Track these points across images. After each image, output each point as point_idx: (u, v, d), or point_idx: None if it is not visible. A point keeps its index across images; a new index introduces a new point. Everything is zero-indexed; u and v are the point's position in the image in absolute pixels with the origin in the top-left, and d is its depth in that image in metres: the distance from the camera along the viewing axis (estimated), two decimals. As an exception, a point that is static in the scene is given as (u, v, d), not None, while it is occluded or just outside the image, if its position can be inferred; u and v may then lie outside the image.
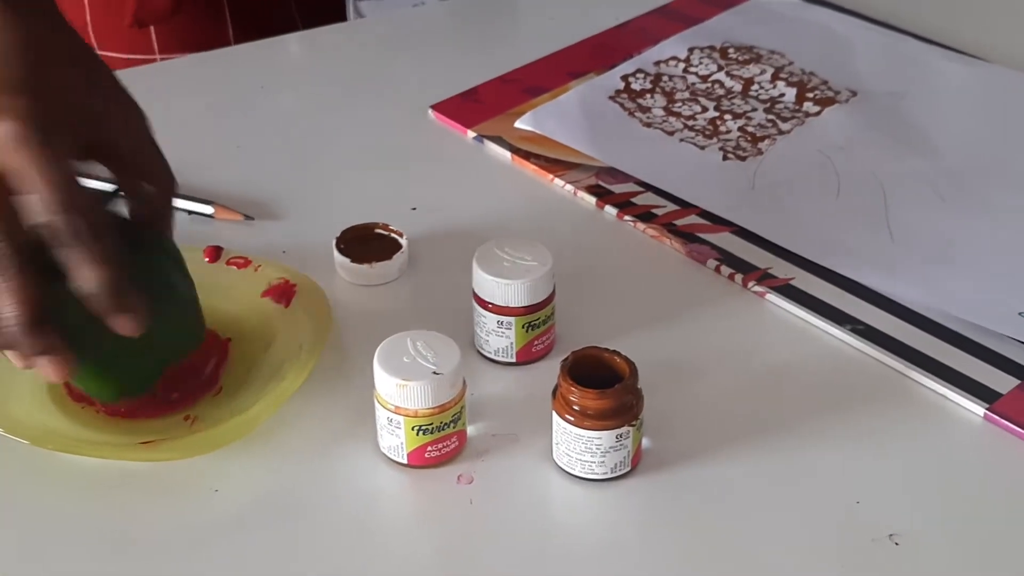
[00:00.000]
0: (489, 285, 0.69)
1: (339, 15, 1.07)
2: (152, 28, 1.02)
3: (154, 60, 1.03)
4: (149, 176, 0.64)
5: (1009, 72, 0.93)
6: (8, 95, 0.57)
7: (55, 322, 0.59)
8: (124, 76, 0.65)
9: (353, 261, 0.75)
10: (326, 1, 1.07)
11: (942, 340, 0.71)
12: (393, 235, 0.78)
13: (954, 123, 0.88)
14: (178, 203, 0.80)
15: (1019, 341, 0.70)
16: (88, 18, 1.03)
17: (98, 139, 0.61)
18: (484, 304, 0.69)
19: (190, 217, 0.80)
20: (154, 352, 0.65)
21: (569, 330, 0.72)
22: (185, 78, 0.97)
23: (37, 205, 0.56)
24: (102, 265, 0.58)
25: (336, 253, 0.76)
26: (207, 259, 0.75)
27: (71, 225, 0.57)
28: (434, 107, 0.90)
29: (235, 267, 0.75)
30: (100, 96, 0.62)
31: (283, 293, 0.73)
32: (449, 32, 1.02)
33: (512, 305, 0.69)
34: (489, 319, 0.69)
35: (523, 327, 0.69)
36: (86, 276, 0.58)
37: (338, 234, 0.77)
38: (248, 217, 0.80)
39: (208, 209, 0.80)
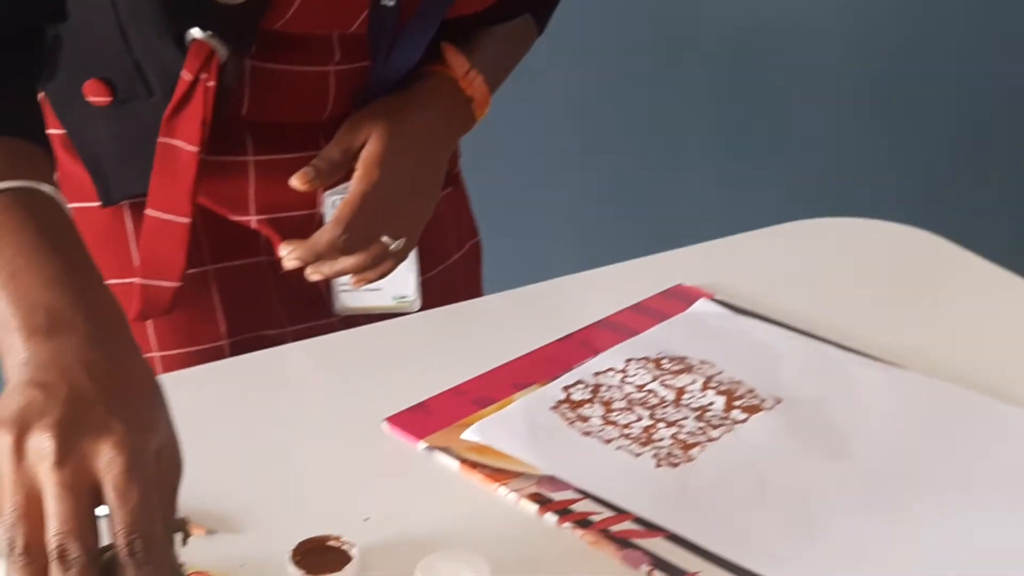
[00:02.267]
0: (431, 597, 0.73)
1: (323, 308, 1.15)
2: (151, 323, 1.10)
3: (151, 355, 1.10)
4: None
5: (920, 378, 1.00)
6: (110, 417, 0.64)
7: None
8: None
9: (307, 574, 0.80)
10: (311, 294, 1.15)
11: (861, 641, 0.76)
12: (345, 546, 0.83)
13: (872, 427, 0.94)
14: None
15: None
16: None
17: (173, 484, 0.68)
18: (427, 615, 0.74)
19: (155, 532, 0.85)
20: None
21: (509, 637, 0.76)
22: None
23: (120, 524, 0.63)
24: None
25: (290, 567, 0.81)
26: (169, 574, 0.80)
27: (146, 547, 0.63)
28: (388, 419, 0.97)
29: (195, 581, 0.80)
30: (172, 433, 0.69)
31: (240, 606, 0.77)
32: (407, 346, 1.09)
33: (453, 616, 0.73)
34: (432, 629, 0.74)
35: (464, 636, 0.74)
36: None
37: (293, 547, 0.82)
38: (211, 531, 0.85)
39: (172, 524, 0.85)
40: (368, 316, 1.14)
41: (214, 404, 1.01)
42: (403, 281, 1.13)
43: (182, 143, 1.01)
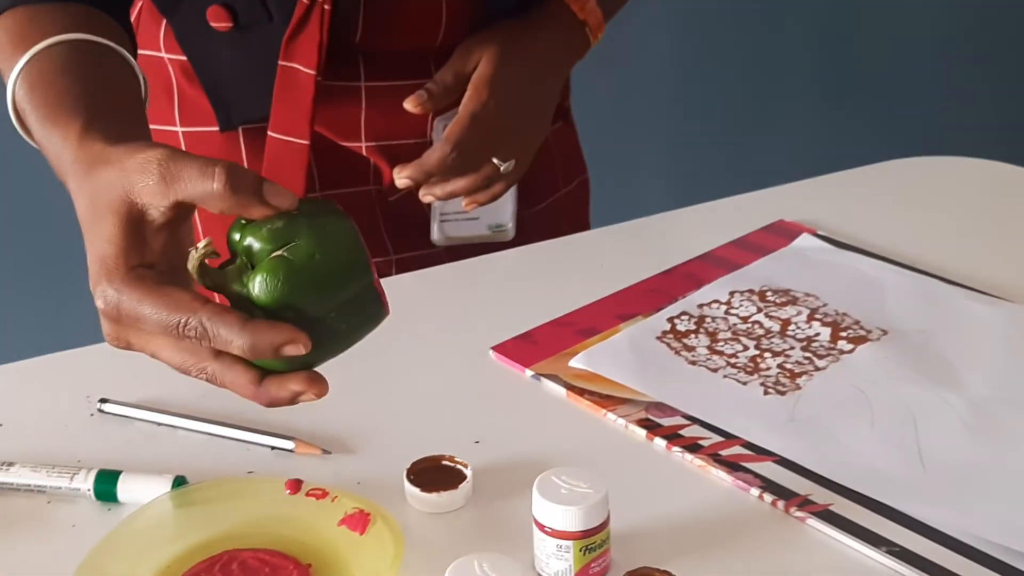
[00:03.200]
0: (548, 511, 0.75)
1: (427, 239, 1.16)
2: None
3: None
4: None
5: (1030, 310, 1.00)
6: None
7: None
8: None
9: (423, 491, 0.82)
10: (417, 224, 1.17)
11: (975, 562, 0.76)
12: (459, 466, 0.84)
13: (980, 357, 0.94)
14: (261, 439, 0.88)
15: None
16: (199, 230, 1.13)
17: None
18: (544, 528, 0.75)
19: (273, 452, 0.87)
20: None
21: (624, 553, 0.78)
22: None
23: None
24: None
25: (406, 484, 0.83)
26: (288, 491, 0.82)
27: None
28: (495, 348, 0.98)
29: (314, 498, 0.81)
30: None
31: (358, 522, 0.79)
32: (509, 278, 1.10)
33: (570, 530, 0.75)
34: (548, 543, 0.75)
35: (580, 550, 0.75)
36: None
37: (408, 466, 0.84)
38: (326, 451, 0.87)
39: (289, 444, 0.87)
40: (470, 246, 1.15)
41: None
42: (500, 210, 1.15)
43: (300, 66, 1.03)
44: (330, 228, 0.70)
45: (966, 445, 0.85)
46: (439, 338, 1.01)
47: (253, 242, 0.69)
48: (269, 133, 1.05)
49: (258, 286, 0.68)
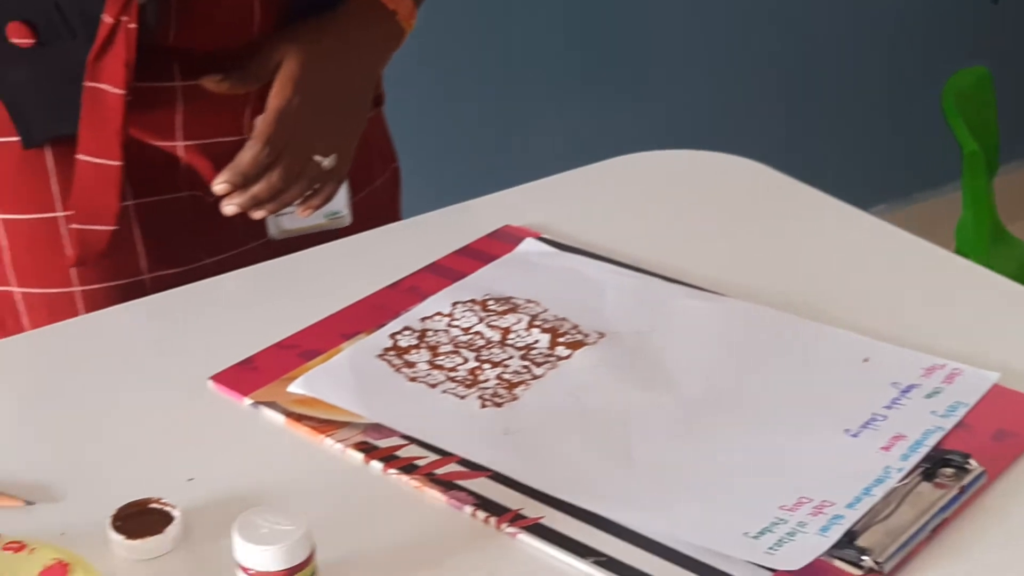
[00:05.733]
0: (248, 552, 0.74)
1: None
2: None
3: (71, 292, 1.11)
4: None
5: (740, 304, 1.02)
6: None
7: None
8: None
9: (128, 538, 0.80)
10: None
11: (677, 565, 0.77)
12: (167, 508, 0.82)
13: (692, 355, 0.96)
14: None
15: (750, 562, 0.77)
16: (9, 256, 1.10)
17: None
18: (248, 571, 0.74)
19: (-28, 506, 0.84)
20: None
21: (334, 586, 0.77)
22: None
23: None
24: None
25: (110, 531, 0.80)
26: (-18, 547, 0.79)
27: None
28: (213, 378, 0.96)
29: (11, 551, 0.79)
30: None
31: (57, 574, 0.77)
32: (232, 301, 1.08)
33: (272, 570, 0.74)
34: (252, 584, 0.74)
35: (285, 589, 0.74)
36: None
37: (113, 512, 0.81)
38: (29, 502, 0.84)
39: (-12, 497, 0.84)
40: (304, 238, 1.15)
41: (31, 374, 1.00)
42: (335, 197, 1.14)
43: (108, 86, 1.01)
44: None
45: (676, 447, 0.87)
46: (155, 369, 0.99)
47: None
48: (78, 156, 1.03)
49: None
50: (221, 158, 1.08)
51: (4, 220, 1.09)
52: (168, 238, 1.13)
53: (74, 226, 1.06)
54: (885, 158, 2.78)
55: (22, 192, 1.09)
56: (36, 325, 1.10)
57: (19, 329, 1.11)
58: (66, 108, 1.03)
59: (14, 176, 1.09)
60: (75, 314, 1.10)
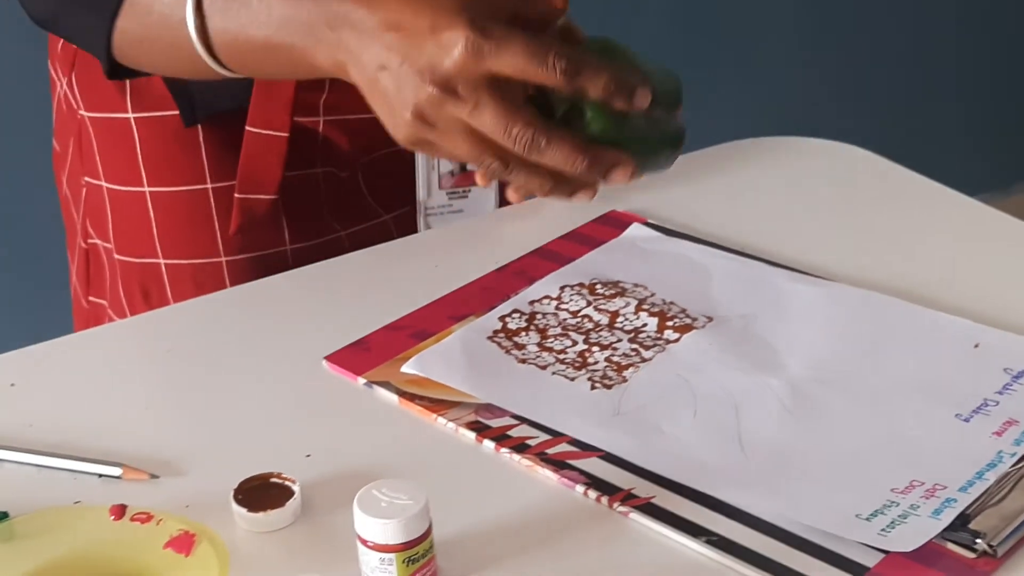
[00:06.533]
0: (369, 525, 0.75)
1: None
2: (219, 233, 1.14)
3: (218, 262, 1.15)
4: None
5: (848, 288, 1.02)
6: None
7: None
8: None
9: (250, 511, 0.82)
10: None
11: (789, 546, 0.78)
12: (287, 483, 0.84)
13: (801, 339, 0.96)
14: (87, 467, 0.87)
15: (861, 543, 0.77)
16: (157, 229, 1.14)
17: None
18: (366, 543, 0.76)
19: (100, 480, 0.87)
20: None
21: (450, 560, 0.79)
22: (98, 347, 1.04)
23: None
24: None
25: (233, 504, 0.83)
26: (113, 517, 0.81)
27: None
28: (327, 358, 0.98)
29: (139, 523, 0.81)
30: None
31: (184, 544, 0.79)
32: (343, 284, 1.10)
33: (391, 543, 0.75)
34: (371, 556, 0.76)
35: (403, 562, 0.76)
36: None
37: (235, 486, 0.84)
38: (154, 476, 0.87)
39: (116, 471, 0.87)
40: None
41: (151, 352, 1.03)
42: (483, 200, 1.18)
43: None
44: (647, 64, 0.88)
45: (786, 429, 0.87)
46: (271, 349, 1.01)
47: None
48: (248, 128, 1.06)
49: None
50: (356, 134, 1.10)
51: (154, 193, 1.13)
52: (306, 212, 1.17)
53: (239, 195, 1.10)
54: (990, 146, 2.77)
55: (175, 165, 1.13)
56: (179, 296, 1.14)
57: (163, 300, 1.15)
58: (227, 86, 1.04)
59: (167, 150, 1.12)
60: (221, 283, 1.14)
